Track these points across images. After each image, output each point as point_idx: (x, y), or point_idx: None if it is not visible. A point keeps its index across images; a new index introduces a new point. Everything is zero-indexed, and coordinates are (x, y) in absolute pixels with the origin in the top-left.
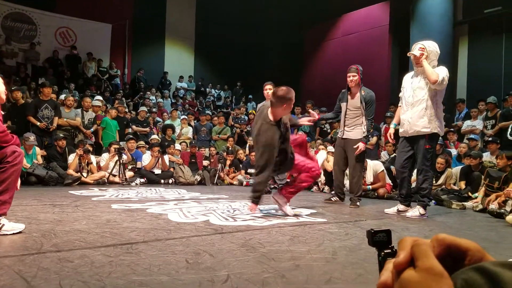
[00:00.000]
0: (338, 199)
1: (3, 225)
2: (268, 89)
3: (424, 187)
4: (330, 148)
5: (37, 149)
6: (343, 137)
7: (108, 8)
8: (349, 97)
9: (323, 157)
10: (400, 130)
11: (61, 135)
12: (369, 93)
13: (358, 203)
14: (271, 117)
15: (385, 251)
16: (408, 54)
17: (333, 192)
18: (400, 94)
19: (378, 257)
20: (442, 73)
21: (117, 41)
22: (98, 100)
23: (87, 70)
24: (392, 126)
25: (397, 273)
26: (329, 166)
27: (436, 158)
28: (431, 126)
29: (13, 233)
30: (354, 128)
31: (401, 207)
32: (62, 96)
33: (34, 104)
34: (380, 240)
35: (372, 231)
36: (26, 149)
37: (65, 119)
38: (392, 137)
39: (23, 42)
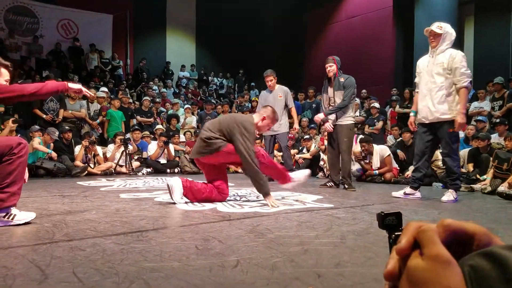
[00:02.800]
0: (333, 184)
1: (15, 215)
2: (269, 80)
3: (454, 170)
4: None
5: (52, 145)
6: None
7: None
8: (329, 86)
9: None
10: (419, 116)
11: (67, 127)
12: (347, 78)
13: (353, 187)
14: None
15: (396, 233)
16: (425, 30)
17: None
18: (416, 80)
19: (388, 239)
20: (464, 75)
21: (118, 31)
22: (102, 91)
23: (89, 62)
24: (411, 114)
25: (403, 260)
26: None
27: None
28: (452, 112)
29: (26, 222)
30: (340, 116)
31: (408, 190)
32: None
33: None
34: (390, 223)
35: (382, 213)
36: (44, 142)
37: (70, 111)
38: (414, 125)
39: (26, 35)
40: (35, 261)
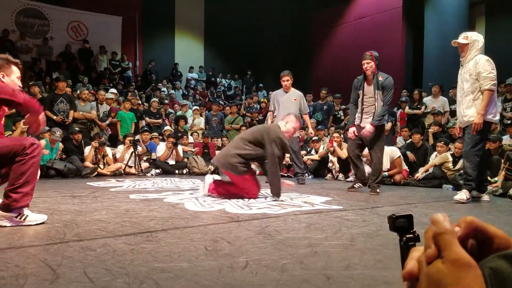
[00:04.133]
0: (361, 185)
1: (27, 216)
2: (286, 80)
3: (470, 172)
4: (336, 135)
5: (60, 144)
6: (361, 124)
7: (118, 0)
8: (365, 84)
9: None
10: (457, 122)
11: (77, 128)
12: (387, 78)
13: (378, 190)
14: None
15: (407, 236)
16: (452, 43)
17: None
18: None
19: (399, 242)
20: (486, 79)
21: (127, 33)
22: (111, 93)
23: (99, 64)
24: (458, 121)
25: (427, 264)
26: (343, 153)
27: (454, 143)
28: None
29: (37, 224)
30: (371, 116)
31: (474, 193)
32: (78, 91)
33: (50, 99)
34: (401, 226)
35: (394, 216)
36: (51, 142)
37: (80, 113)
38: (459, 131)
39: (37, 37)
40: (47, 260)
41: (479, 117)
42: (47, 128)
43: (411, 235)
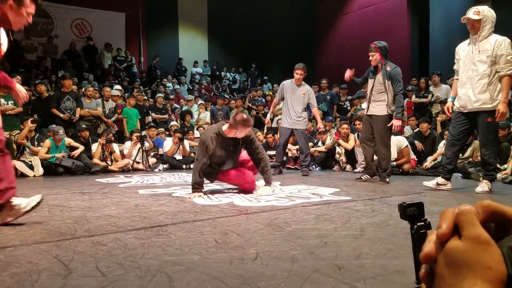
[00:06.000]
0: (369, 176)
1: (17, 204)
2: (299, 74)
3: (490, 162)
4: (345, 126)
5: (66, 139)
6: (369, 113)
7: None
8: (376, 74)
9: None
10: (457, 105)
11: (84, 126)
12: (394, 68)
13: (387, 179)
14: (225, 131)
15: (418, 224)
16: (462, 19)
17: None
18: (456, 67)
19: (410, 230)
20: (509, 63)
21: (131, 29)
22: (116, 89)
23: (104, 61)
24: (450, 100)
25: (441, 244)
26: (349, 145)
27: None
28: (494, 101)
29: (34, 206)
30: (379, 104)
31: (440, 180)
32: (83, 89)
33: (56, 97)
34: (412, 214)
35: (404, 204)
36: (55, 141)
37: (86, 110)
38: (451, 111)
39: (41, 36)
40: (59, 256)
41: (504, 106)
42: (53, 127)
43: (422, 223)
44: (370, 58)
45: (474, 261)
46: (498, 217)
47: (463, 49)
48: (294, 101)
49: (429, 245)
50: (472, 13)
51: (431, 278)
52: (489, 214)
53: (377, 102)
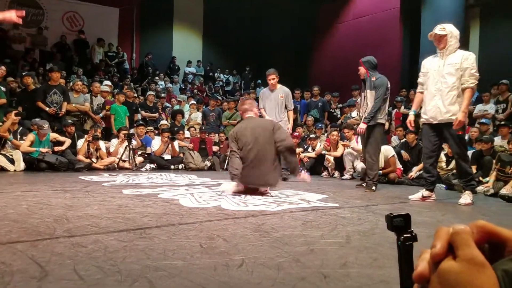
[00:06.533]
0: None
1: None
2: (271, 79)
3: (469, 171)
4: (335, 133)
5: (51, 134)
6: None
7: None
8: (364, 86)
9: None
10: (425, 117)
11: (70, 121)
12: (378, 77)
13: (374, 188)
14: None
15: (404, 235)
16: (429, 36)
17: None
18: (421, 80)
19: (397, 241)
20: (473, 76)
21: (124, 25)
22: (106, 85)
23: (94, 55)
24: (411, 113)
25: (435, 264)
26: (338, 152)
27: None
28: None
29: None
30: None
31: (425, 193)
32: (71, 83)
33: (43, 90)
34: (399, 225)
35: (391, 215)
36: (39, 135)
37: (73, 105)
38: (412, 124)
39: (31, 26)
40: (35, 257)
41: (463, 115)
42: (37, 119)
43: (409, 235)
44: (359, 73)
45: (468, 283)
46: (493, 238)
47: (430, 63)
48: (272, 107)
49: (422, 264)
50: (438, 29)
51: None
52: (484, 234)
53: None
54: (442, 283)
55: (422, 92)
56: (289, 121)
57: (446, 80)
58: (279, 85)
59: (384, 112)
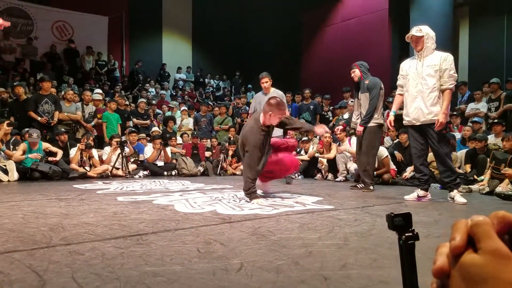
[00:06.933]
0: (364, 186)
1: None
2: (265, 82)
3: (454, 170)
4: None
5: (43, 144)
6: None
7: (104, 0)
8: (358, 90)
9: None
10: (407, 119)
11: (63, 129)
12: (372, 80)
13: (371, 187)
14: (261, 122)
15: (406, 234)
16: (406, 37)
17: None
18: (400, 82)
19: (398, 241)
20: (451, 78)
21: (114, 33)
22: (98, 93)
23: (85, 64)
24: (392, 113)
25: (455, 258)
26: (331, 154)
27: None
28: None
29: None
30: (359, 118)
31: (421, 192)
32: (63, 92)
33: (34, 99)
34: (400, 224)
35: (392, 214)
36: (31, 145)
37: (65, 114)
38: (392, 125)
39: (20, 37)
40: (32, 266)
41: (444, 116)
42: (26, 129)
43: (410, 234)
44: (352, 75)
45: (493, 277)
46: None
47: (409, 65)
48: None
49: (441, 258)
50: (415, 31)
51: None
52: (505, 225)
53: (359, 116)
54: (465, 278)
55: (401, 94)
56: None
57: (426, 82)
58: (272, 89)
59: (380, 112)
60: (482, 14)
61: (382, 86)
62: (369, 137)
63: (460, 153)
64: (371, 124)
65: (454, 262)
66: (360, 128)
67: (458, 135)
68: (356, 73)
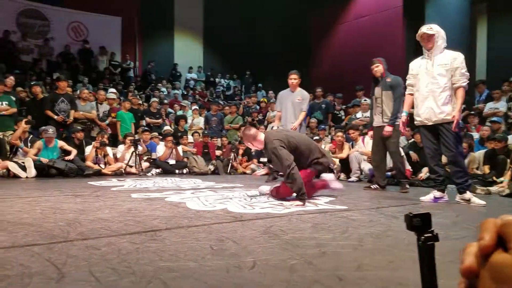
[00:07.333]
0: (378, 187)
1: None
2: (293, 79)
3: (467, 171)
4: (340, 134)
5: (59, 141)
6: (378, 125)
7: (117, 1)
8: (375, 87)
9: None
10: (419, 119)
11: (78, 127)
12: (394, 78)
13: (407, 186)
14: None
15: (425, 235)
16: (417, 36)
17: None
18: (410, 81)
19: (417, 241)
20: (464, 76)
21: (127, 34)
22: (112, 92)
23: (99, 64)
24: (404, 114)
25: (484, 257)
26: (343, 154)
27: None
28: (455, 112)
29: None
30: (379, 116)
31: (437, 194)
32: (78, 91)
33: (51, 98)
34: (419, 225)
35: (411, 214)
36: (47, 142)
37: (81, 112)
38: (406, 124)
39: (37, 38)
40: (51, 259)
41: (458, 113)
42: (43, 127)
43: (430, 234)
44: (375, 69)
45: None
46: None
47: (419, 65)
48: (290, 108)
49: (469, 258)
50: (426, 29)
51: None
52: None
53: (378, 114)
54: (495, 278)
55: (411, 94)
56: (297, 121)
57: (437, 81)
58: (299, 88)
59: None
60: (500, 10)
61: (403, 85)
62: (396, 135)
63: (478, 154)
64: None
65: (483, 262)
66: (389, 128)
67: (476, 135)
68: (379, 68)
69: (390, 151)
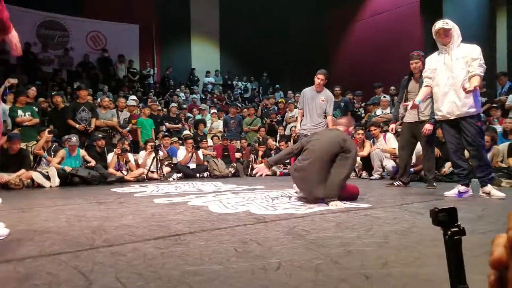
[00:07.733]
0: (401, 183)
1: None
2: (320, 79)
3: (489, 164)
4: (361, 131)
5: (81, 150)
6: (412, 121)
7: (134, 9)
8: (411, 82)
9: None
10: (440, 114)
11: (100, 135)
12: None
13: (434, 184)
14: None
15: (452, 229)
16: (434, 32)
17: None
18: (428, 74)
19: (444, 236)
20: (481, 67)
21: (144, 41)
22: (132, 100)
23: (118, 72)
24: (417, 101)
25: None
26: (365, 152)
27: None
28: (476, 105)
29: None
30: (414, 112)
31: (462, 188)
32: (99, 99)
33: (72, 108)
34: (445, 220)
35: (436, 209)
36: (70, 151)
37: (102, 120)
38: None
39: (58, 48)
40: (78, 267)
41: (475, 86)
42: (66, 136)
43: (456, 229)
44: (414, 65)
45: None
46: None
47: (436, 60)
48: (313, 108)
49: (498, 249)
50: (442, 24)
51: (503, 285)
52: None
53: (413, 111)
54: None
55: (428, 86)
56: (328, 127)
57: (457, 75)
58: (325, 89)
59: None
60: None
61: None
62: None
63: (502, 146)
64: (423, 118)
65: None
66: (430, 127)
67: (499, 128)
68: (419, 65)
69: (426, 148)
